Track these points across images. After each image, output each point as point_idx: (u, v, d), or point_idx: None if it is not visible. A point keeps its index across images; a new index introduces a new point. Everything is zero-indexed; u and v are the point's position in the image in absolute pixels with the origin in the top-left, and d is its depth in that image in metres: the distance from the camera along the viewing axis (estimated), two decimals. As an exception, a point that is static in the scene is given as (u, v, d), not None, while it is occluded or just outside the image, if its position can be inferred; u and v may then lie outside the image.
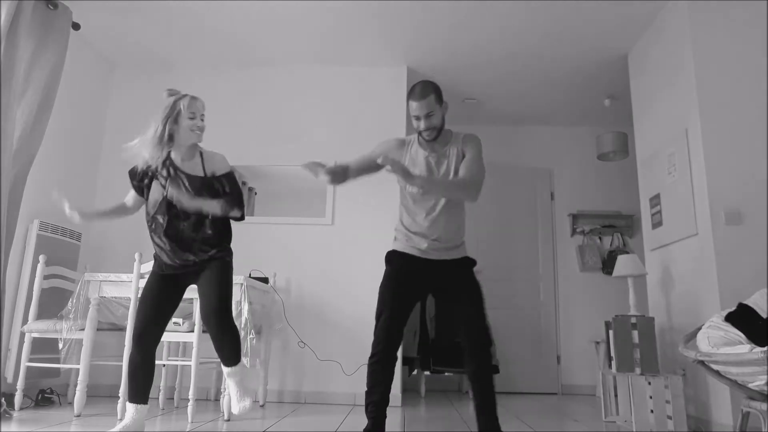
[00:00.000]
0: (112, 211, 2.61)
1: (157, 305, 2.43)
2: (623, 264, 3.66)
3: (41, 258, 3.53)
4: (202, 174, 2.44)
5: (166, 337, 3.21)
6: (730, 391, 2.83)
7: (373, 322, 2.44)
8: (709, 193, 3.14)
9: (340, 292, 4.21)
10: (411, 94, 2.46)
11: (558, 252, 5.47)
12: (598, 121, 5.60)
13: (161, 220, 2.41)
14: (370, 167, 2.50)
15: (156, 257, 2.49)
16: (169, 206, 2.40)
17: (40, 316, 3.49)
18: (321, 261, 4.29)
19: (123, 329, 3.40)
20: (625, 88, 4.63)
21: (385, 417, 2.37)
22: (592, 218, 5.48)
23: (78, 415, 3.09)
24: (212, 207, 2.38)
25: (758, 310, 2.39)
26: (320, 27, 4.10)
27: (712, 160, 3.18)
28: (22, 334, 3.49)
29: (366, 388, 2.40)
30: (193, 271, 2.45)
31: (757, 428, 2.55)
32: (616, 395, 3.47)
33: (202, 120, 2.46)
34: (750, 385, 2.16)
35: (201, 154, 2.49)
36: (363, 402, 3.95)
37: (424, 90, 2.43)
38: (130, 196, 2.57)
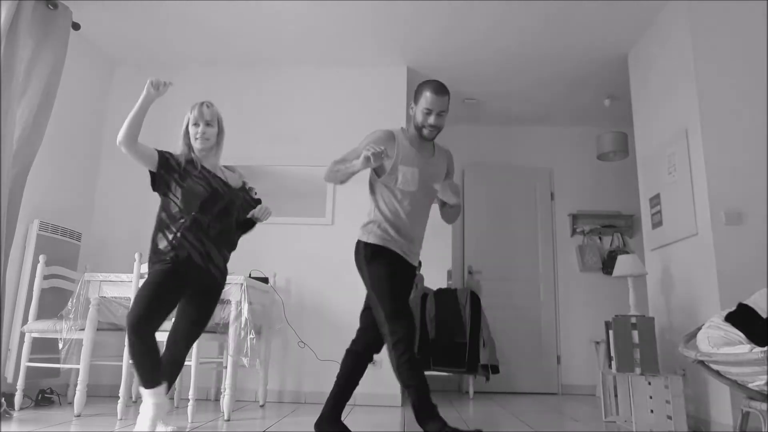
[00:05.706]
0: (139, 122, 2.39)
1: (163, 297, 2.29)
2: (623, 264, 3.66)
3: (41, 258, 3.53)
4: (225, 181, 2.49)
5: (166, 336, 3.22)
6: (730, 391, 2.83)
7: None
8: (709, 193, 3.14)
9: (340, 292, 4.21)
10: (429, 86, 2.43)
11: (558, 252, 5.47)
12: (598, 121, 5.60)
13: (204, 221, 2.36)
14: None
15: (174, 256, 2.30)
16: (211, 206, 2.37)
17: (40, 316, 3.49)
18: (321, 261, 4.28)
19: (123, 329, 3.40)
20: (625, 88, 4.63)
21: None
22: (592, 218, 5.48)
23: (78, 415, 3.09)
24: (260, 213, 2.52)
25: (758, 310, 2.39)
26: (320, 27, 4.10)
27: (712, 160, 3.18)
28: (22, 334, 3.49)
29: (423, 386, 2.37)
30: (202, 281, 2.40)
31: (757, 428, 2.55)
32: (616, 395, 3.47)
33: (208, 126, 2.41)
34: (750, 385, 2.16)
35: (222, 169, 2.52)
36: (363, 402, 3.96)
37: (444, 89, 2.45)
38: (150, 152, 2.37)
